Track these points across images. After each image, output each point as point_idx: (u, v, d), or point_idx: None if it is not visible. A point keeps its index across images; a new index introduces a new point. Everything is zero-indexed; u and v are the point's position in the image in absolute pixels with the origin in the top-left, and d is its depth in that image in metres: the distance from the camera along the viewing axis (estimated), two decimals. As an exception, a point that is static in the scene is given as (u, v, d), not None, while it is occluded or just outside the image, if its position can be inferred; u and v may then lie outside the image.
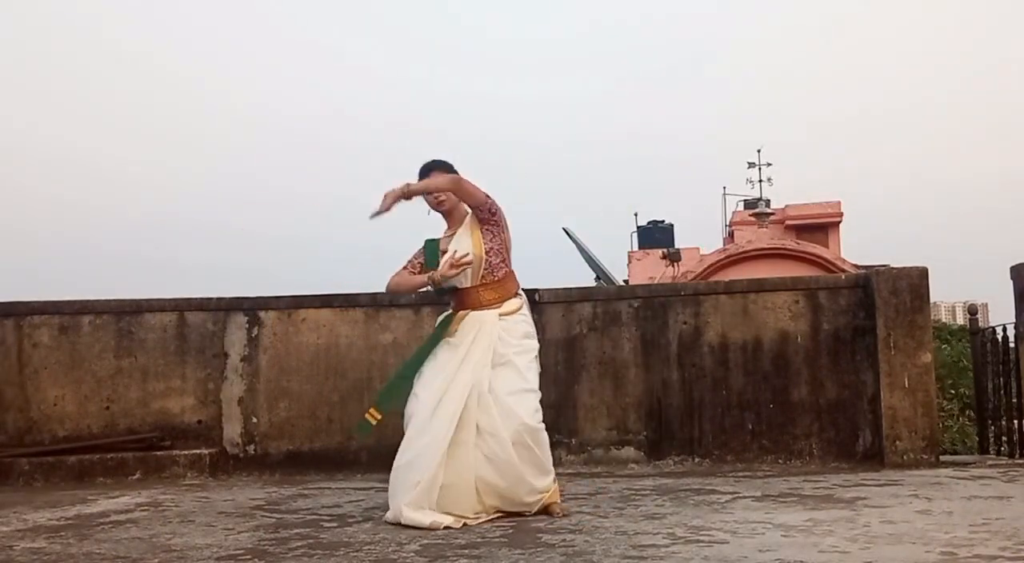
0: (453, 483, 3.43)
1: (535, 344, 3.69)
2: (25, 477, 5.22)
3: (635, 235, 23.59)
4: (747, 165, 24.18)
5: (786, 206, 23.72)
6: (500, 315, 3.62)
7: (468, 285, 3.65)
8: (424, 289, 3.85)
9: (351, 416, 5.51)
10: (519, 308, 3.69)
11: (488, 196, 3.68)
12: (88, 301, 5.71)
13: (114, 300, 5.73)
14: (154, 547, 3.12)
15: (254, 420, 5.55)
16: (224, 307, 5.67)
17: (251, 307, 5.66)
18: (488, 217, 3.69)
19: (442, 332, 3.66)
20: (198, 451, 5.39)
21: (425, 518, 3.35)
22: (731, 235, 23.85)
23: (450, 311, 3.72)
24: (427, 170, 3.73)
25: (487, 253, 3.65)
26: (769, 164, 24.30)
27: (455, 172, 3.74)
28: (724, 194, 24.28)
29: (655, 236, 23.33)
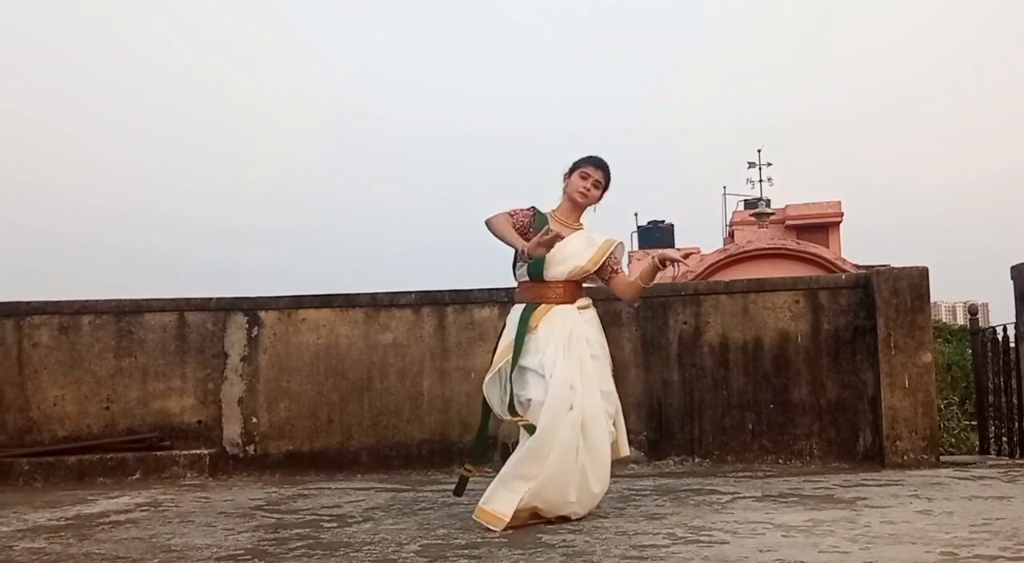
0: (559, 470, 3.39)
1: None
2: (25, 477, 5.21)
3: (635, 235, 23.60)
4: (747, 165, 24.20)
5: (786, 206, 23.72)
6: (579, 308, 3.68)
7: (556, 280, 3.65)
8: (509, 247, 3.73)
9: (351, 416, 5.52)
10: (589, 304, 3.75)
11: None
12: (88, 301, 5.71)
13: (114, 300, 5.73)
14: (154, 547, 3.12)
15: (254, 420, 5.54)
16: (224, 307, 5.67)
17: (251, 307, 5.66)
18: (610, 269, 3.77)
19: (525, 326, 3.60)
20: (198, 451, 5.39)
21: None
22: (731, 235, 23.86)
23: (524, 305, 3.67)
24: (599, 166, 3.77)
25: (592, 270, 3.71)
26: (769, 164, 24.32)
27: (610, 181, 3.81)
28: (724, 194, 24.32)
29: (655, 236, 23.35)
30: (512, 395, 3.54)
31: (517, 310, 3.69)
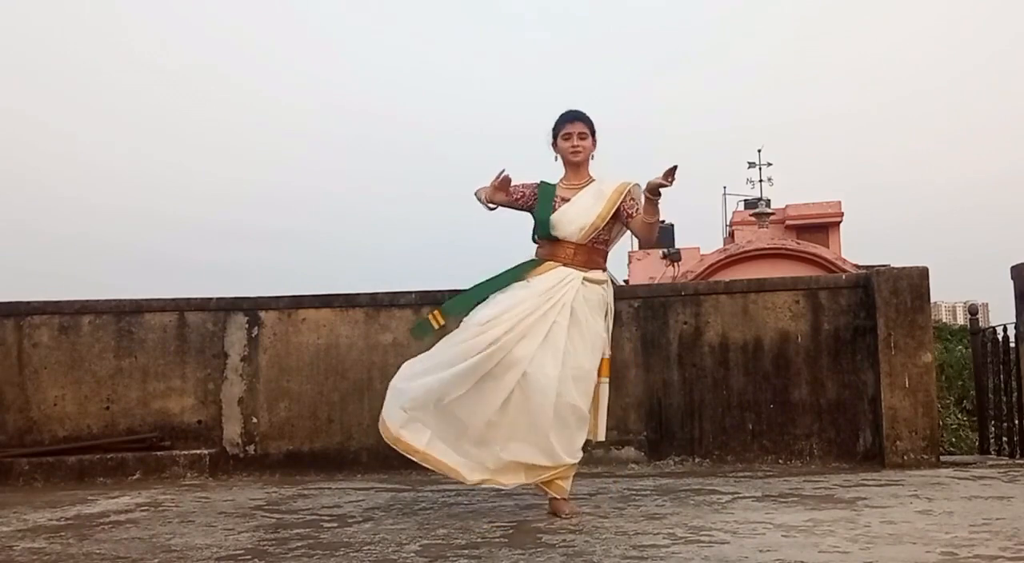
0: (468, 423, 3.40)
1: (607, 325, 3.64)
2: (25, 477, 5.21)
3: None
4: (747, 165, 24.23)
5: (786, 206, 23.74)
6: (584, 279, 3.59)
7: (568, 239, 3.61)
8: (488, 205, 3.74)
9: (351, 416, 5.52)
10: (603, 281, 3.66)
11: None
12: (88, 301, 5.71)
13: (114, 300, 5.73)
14: (154, 547, 3.12)
15: (254, 420, 5.54)
16: (224, 307, 5.67)
17: (251, 307, 5.66)
18: (627, 214, 3.63)
19: (521, 272, 3.61)
20: (198, 451, 5.39)
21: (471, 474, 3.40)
22: (731, 235, 23.88)
23: (534, 259, 3.68)
24: (575, 118, 3.70)
25: (602, 227, 3.62)
26: (769, 164, 24.37)
27: (593, 126, 3.72)
28: (724, 194, 24.35)
29: (655, 235, 23.30)
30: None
31: (524, 262, 3.67)
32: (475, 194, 3.76)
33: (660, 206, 3.50)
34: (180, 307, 5.67)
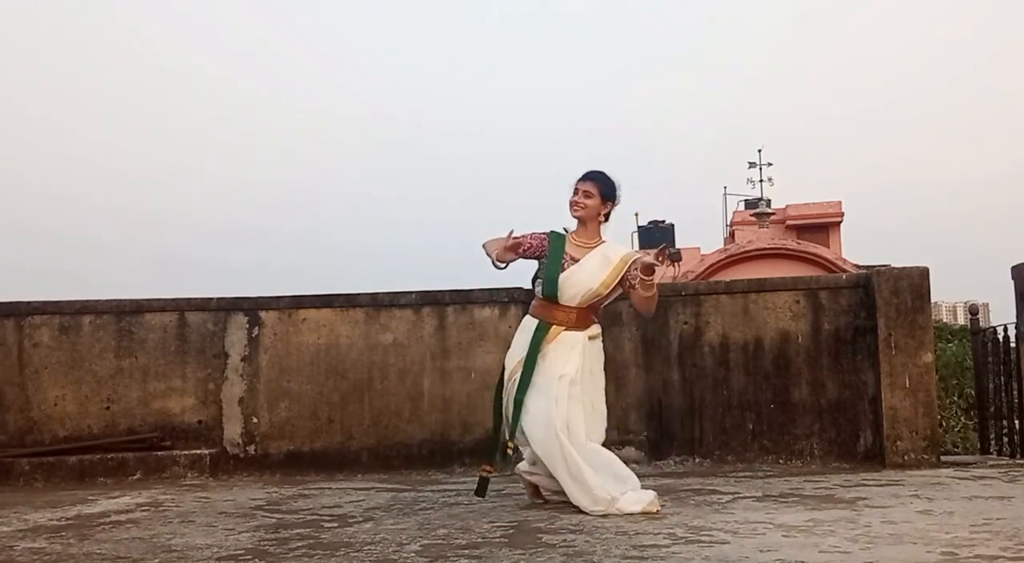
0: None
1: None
2: (25, 477, 5.22)
3: (635, 235, 23.56)
4: (748, 165, 24.21)
5: (787, 206, 23.72)
6: (589, 337, 3.76)
7: (568, 304, 3.74)
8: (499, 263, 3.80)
9: (351, 416, 5.52)
10: (599, 334, 3.84)
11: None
12: (88, 301, 5.71)
13: (114, 300, 5.73)
14: (154, 547, 3.12)
15: (254, 420, 5.54)
16: (224, 307, 5.67)
17: (251, 307, 5.66)
18: (629, 284, 3.74)
19: (536, 344, 3.72)
20: (198, 451, 5.39)
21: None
22: (732, 235, 23.86)
23: (539, 320, 3.77)
24: (586, 178, 3.82)
25: (607, 293, 3.77)
26: (770, 164, 24.33)
27: (613, 185, 3.83)
28: (725, 194, 24.32)
29: (655, 236, 23.31)
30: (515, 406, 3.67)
31: (530, 327, 3.77)
32: (483, 246, 3.80)
33: (655, 281, 3.62)
34: (180, 307, 5.67)
